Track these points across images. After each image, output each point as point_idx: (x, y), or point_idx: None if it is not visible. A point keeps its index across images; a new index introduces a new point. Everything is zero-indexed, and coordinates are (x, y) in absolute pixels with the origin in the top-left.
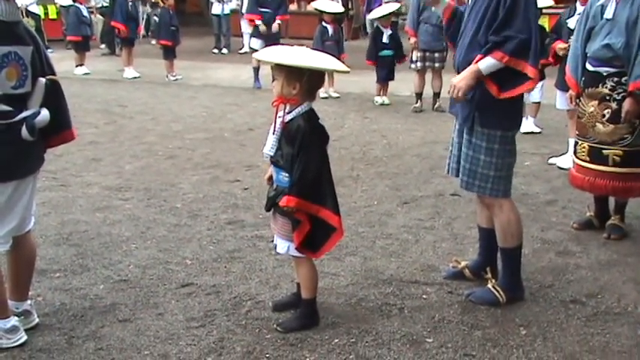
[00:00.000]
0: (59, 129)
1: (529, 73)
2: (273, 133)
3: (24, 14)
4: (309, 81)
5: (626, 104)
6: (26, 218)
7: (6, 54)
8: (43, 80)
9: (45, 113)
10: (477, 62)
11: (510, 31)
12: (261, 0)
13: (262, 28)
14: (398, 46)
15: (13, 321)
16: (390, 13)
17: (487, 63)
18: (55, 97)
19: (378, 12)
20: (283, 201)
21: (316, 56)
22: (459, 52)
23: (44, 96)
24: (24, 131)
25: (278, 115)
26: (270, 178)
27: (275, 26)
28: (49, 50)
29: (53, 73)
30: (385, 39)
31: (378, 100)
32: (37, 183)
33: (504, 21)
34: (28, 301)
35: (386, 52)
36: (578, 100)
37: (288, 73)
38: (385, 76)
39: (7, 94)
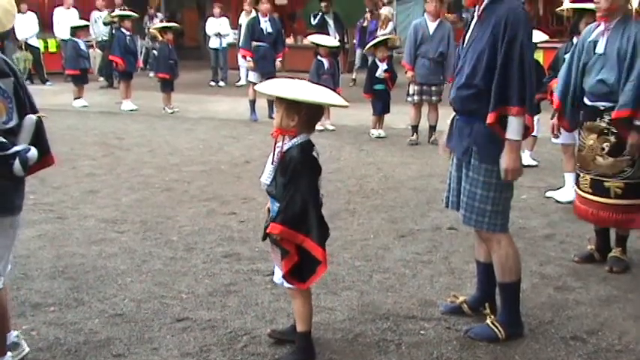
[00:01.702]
0: (40, 155)
1: (527, 122)
2: (272, 164)
3: (24, 47)
4: (307, 114)
5: (631, 138)
6: (6, 262)
7: None
8: (33, 117)
9: (34, 151)
10: (507, 137)
11: (512, 82)
12: (257, 34)
13: (250, 65)
14: (393, 76)
15: (6, 357)
16: (381, 42)
17: (515, 130)
18: (41, 130)
19: (370, 43)
20: (269, 228)
21: (315, 90)
22: (454, 89)
23: (33, 133)
24: (17, 165)
25: (277, 146)
26: (270, 209)
27: (277, 64)
28: (47, 83)
29: (34, 107)
30: (379, 73)
31: (374, 132)
32: (34, 215)
33: (503, 72)
34: (14, 333)
35: (381, 86)
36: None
37: (287, 105)
38: (381, 109)
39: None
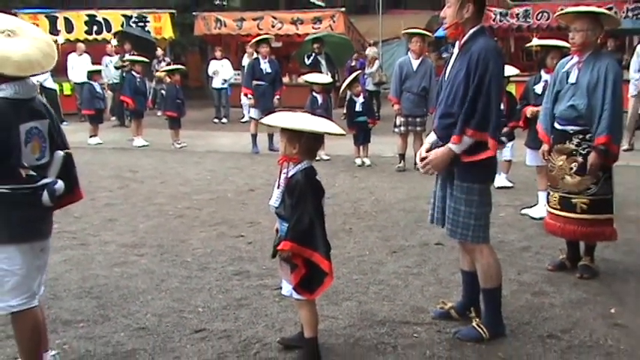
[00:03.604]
0: (71, 189)
1: (489, 144)
2: (278, 187)
3: (39, 90)
4: (307, 142)
5: (591, 158)
6: (39, 283)
7: (29, 130)
8: (61, 153)
9: (61, 183)
10: (452, 142)
11: (476, 108)
12: (258, 74)
13: (251, 102)
14: (370, 111)
15: None
16: (353, 80)
17: (461, 144)
18: (69, 165)
19: (344, 85)
20: (280, 245)
21: (314, 121)
22: (436, 119)
23: (60, 167)
24: (45, 196)
25: (282, 172)
26: (278, 229)
27: (275, 101)
28: (64, 123)
29: (66, 144)
30: (358, 107)
31: (358, 161)
32: (59, 242)
33: (472, 100)
34: (52, 352)
35: (361, 119)
36: (549, 155)
37: (289, 135)
38: (362, 139)
39: (32, 166)
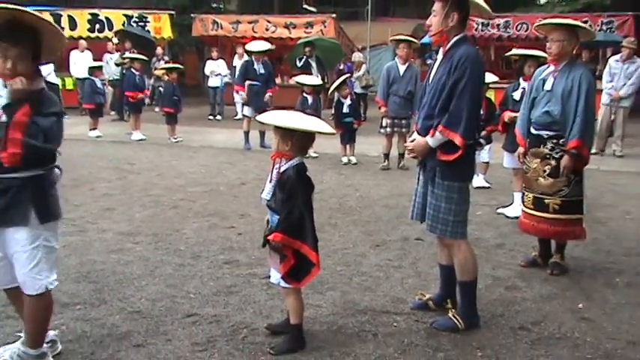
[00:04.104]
0: None
1: (457, 143)
2: (270, 182)
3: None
4: (299, 140)
5: (564, 161)
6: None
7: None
8: None
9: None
10: (429, 136)
11: (449, 107)
12: (251, 74)
13: (243, 97)
14: (356, 113)
15: (43, 348)
16: (342, 83)
17: (434, 139)
18: None
19: (332, 87)
20: (271, 236)
21: (306, 120)
22: (419, 120)
23: None
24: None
25: (275, 167)
26: (269, 221)
27: (267, 97)
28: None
29: None
30: (345, 109)
31: (344, 159)
32: (59, 229)
33: (446, 99)
34: (52, 332)
35: (347, 120)
36: (525, 158)
37: (282, 132)
38: (348, 139)
39: None
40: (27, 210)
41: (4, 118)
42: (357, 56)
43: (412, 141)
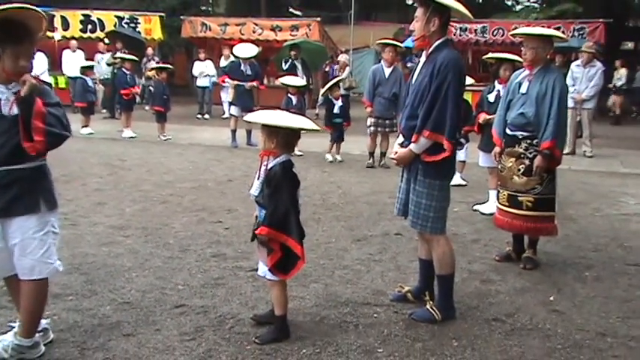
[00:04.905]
0: None
1: (444, 146)
2: (258, 178)
3: None
4: (284, 137)
5: (537, 161)
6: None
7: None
8: None
9: None
10: (413, 142)
11: (433, 112)
12: (238, 75)
13: (231, 84)
14: (346, 114)
15: (36, 337)
16: (334, 85)
17: (418, 145)
18: None
19: (326, 87)
20: (259, 230)
21: (290, 118)
22: (403, 121)
23: None
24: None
25: (263, 164)
26: (257, 216)
27: (248, 85)
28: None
29: None
30: (336, 109)
31: (329, 157)
32: None
33: (430, 104)
34: (44, 320)
35: (337, 120)
36: (500, 157)
37: (268, 131)
38: (337, 138)
39: None
40: (37, 198)
41: (14, 110)
42: (342, 57)
43: (395, 153)
